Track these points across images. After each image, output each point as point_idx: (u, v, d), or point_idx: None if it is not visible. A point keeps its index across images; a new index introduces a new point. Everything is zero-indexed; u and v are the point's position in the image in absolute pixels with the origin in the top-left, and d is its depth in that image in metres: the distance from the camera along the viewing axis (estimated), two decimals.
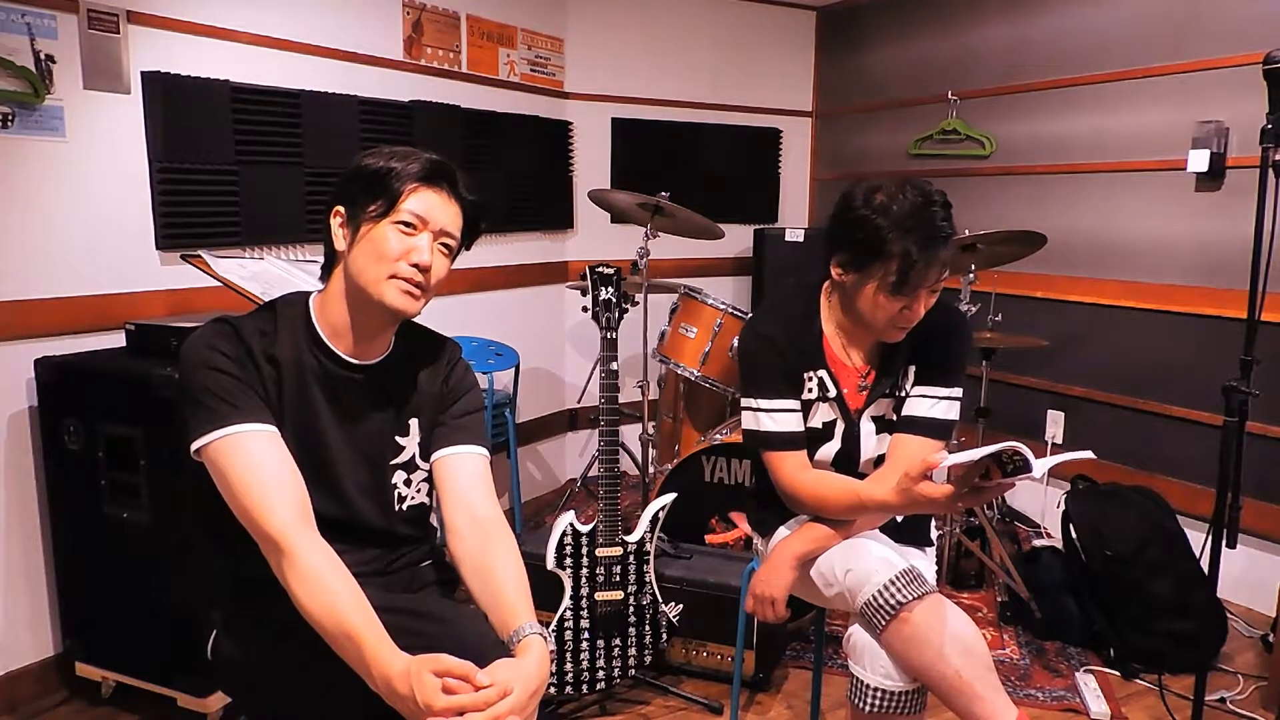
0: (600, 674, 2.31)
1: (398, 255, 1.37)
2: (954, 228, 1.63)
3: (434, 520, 1.58)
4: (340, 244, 1.41)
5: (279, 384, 1.38)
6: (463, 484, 1.47)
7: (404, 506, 1.50)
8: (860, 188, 1.67)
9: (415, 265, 1.37)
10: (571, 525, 2.26)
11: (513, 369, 3.53)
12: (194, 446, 1.31)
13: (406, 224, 1.37)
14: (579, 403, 4.16)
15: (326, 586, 1.23)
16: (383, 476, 1.47)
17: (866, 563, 1.63)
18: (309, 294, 1.47)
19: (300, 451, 1.35)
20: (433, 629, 1.32)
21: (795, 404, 1.76)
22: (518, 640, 1.30)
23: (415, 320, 1.49)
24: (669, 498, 2.35)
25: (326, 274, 1.46)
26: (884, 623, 1.56)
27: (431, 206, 1.39)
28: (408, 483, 1.50)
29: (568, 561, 2.26)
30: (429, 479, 1.52)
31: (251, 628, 1.41)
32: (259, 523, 1.26)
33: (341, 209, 1.41)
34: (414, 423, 1.50)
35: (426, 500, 1.54)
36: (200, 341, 1.35)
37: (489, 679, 1.17)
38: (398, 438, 1.48)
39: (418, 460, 1.51)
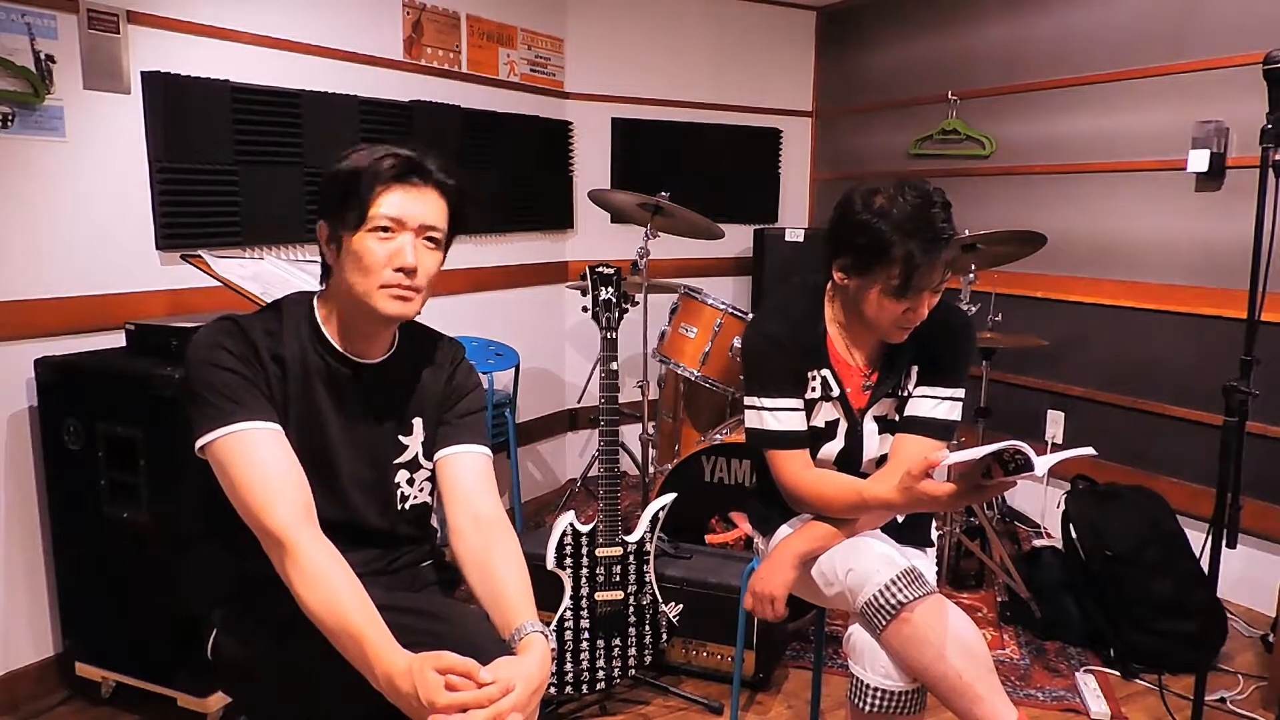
0: (600, 674, 2.31)
1: (382, 264, 1.34)
2: (955, 227, 1.63)
3: (434, 521, 1.58)
4: (330, 259, 1.40)
5: (284, 383, 1.37)
6: (466, 483, 1.47)
7: (406, 506, 1.50)
8: (859, 191, 1.67)
9: (401, 269, 1.35)
10: (571, 525, 2.26)
11: (513, 369, 3.52)
12: (198, 444, 1.31)
13: (383, 229, 1.34)
14: (579, 403, 4.15)
15: (329, 584, 1.23)
16: (385, 475, 1.47)
17: (868, 562, 1.63)
18: (314, 293, 1.46)
19: (303, 450, 1.35)
20: (434, 627, 1.32)
21: (799, 403, 1.77)
22: (519, 638, 1.30)
23: (418, 320, 1.49)
24: (669, 498, 2.35)
25: (325, 278, 1.45)
26: (885, 622, 1.56)
27: (405, 204, 1.35)
28: (410, 482, 1.50)
29: (568, 561, 2.26)
30: (432, 478, 1.52)
31: (253, 627, 1.41)
32: (262, 520, 1.26)
33: (324, 224, 1.40)
34: (417, 422, 1.50)
35: (429, 500, 1.54)
36: (205, 339, 1.34)
37: (491, 676, 1.17)
38: (401, 437, 1.48)
39: (421, 459, 1.50)
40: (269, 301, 1.49)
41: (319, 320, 1.43)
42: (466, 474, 1.48)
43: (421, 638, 1.24)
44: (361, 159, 1.36)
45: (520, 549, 1.44)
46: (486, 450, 1.52)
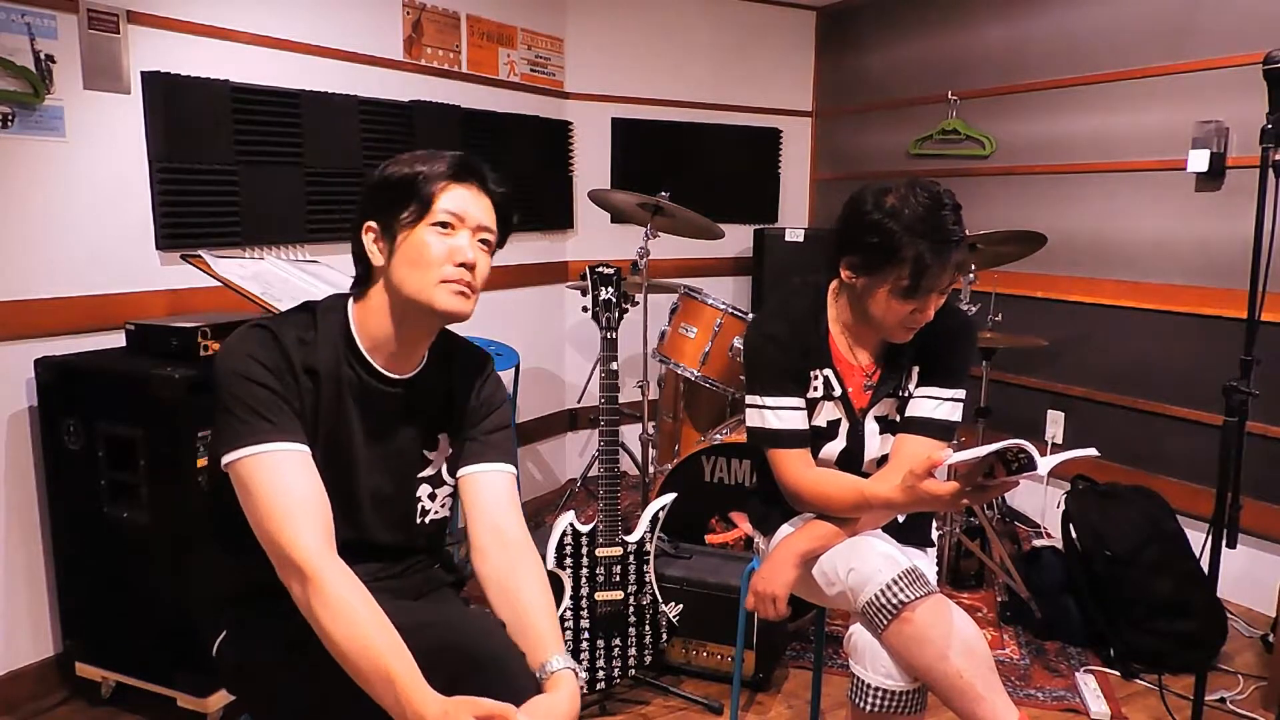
0: (600, 674, 2.31)
1: (442, 259, 1.33)
2: (964, 230, 1.63)
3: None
4: (378, 259, 1.37)
5: (315, 395, 1.34)
6: (491, 503, 1.46)
7: (427, 520, 1.48)
8: (869, 190, 1.67)
9: (462, 265, 1.34)
10: (571, 525, 2.26)
11: (513, 369, 3.52)
12: (224, 461, 1.27)
13: (444, 224, 1.34)
14: (579, 403, 4.15)
15: (355, 620, 1.20)
16: (407, 490, 1.46)
17: (869, 562, 1.63)
18: (348, 300, 1.42)
19: (327, 463, 1.33)
20: (452, 639, 1.30)
21: (800, 402, 1.77)
22: (548, 674, 1.29)
23: (449, 330, 1.47)
24: (669, 498, 2.35)
25: (361, 288, 1.41)
26: (886, 622, 1.56)
27: (466, 203, 1.36)
28: (432, 497, 1.48)
29: (568, 561, 2.26)
30: (454, 494, 1.50)
31: (260, 630, 1.39)
32: (284, 549, 1.23)
33: (373, 224, 1.37)
34: (443, 437, 1.48)
35: (448, 515, 1.53)
36: (238, 348, 1.30)
37: None
38: (425, 452, 1.46)
39: (444, 475, 1.49)
40: (284, 304, 1.47)
41: (354, 330, 1.39)
42: (493, 493, 1.46)
43: (437, 650, 1.23)
44: (420, 159, 1.37)
45: (545, 572, 1.43)
46: (512, 469, 1.50)
